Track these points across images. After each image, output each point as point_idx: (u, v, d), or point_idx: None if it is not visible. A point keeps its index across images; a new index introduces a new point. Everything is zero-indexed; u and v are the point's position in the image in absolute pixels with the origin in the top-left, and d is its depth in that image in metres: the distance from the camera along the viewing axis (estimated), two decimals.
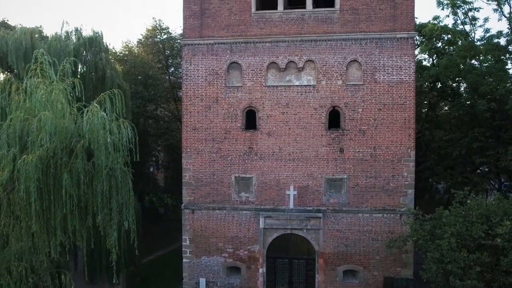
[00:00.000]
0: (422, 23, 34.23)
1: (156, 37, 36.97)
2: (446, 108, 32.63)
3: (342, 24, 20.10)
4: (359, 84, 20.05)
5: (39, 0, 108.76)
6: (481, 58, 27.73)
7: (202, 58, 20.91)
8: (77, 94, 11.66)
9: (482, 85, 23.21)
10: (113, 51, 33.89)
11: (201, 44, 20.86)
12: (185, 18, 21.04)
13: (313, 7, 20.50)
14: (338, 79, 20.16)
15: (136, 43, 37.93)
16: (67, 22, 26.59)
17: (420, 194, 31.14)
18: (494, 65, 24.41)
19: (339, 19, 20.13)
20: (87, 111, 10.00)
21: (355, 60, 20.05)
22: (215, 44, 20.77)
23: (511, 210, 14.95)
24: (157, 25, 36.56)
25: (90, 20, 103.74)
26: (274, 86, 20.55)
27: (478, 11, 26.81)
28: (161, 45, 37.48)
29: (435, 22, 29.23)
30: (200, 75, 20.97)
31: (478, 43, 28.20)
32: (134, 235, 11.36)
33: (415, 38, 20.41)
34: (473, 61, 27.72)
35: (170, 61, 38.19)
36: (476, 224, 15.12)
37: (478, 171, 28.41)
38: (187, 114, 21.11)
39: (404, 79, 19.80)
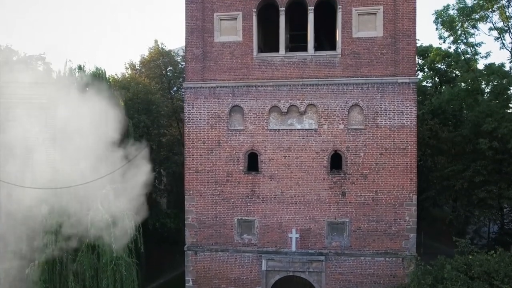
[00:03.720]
0: (424, 46, 34.26)
1: (159, 60, 37.05)
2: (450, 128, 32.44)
3: (344, 68, 20.15)
4: (361, 129, 20.11)
5: (38, 6, 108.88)
6: (482, 86, 27.76)
7: (204, 101, 21.01)
8: None
9: (484, 124, 23.22)
10: (116, 77, 34.02)
11: (203, 87, 20.95)
12: (187, 61, 21.14)
13: (315, 48, 20.61)
14: (340, 123, 20.23)
15: (138, 62, 38.12)
16: (70, 60, 26.87)
17: (422, 215, 31.11)
18: (496, 103, 24.37)
19: (340, 63, 20.18)
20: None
21: (356, 105, 20.10)
22: (217, 87, 20.86)
23: None
24: (160, 48, 36.62)
25: (90, 22, 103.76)
26: (276, 129, 20.64)
27: (480, 46, 26.79)
28: (163, 67, 37.58)
29: (438, 52, 29.20)
30: (202, 118, 21.08)
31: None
32: None
33: (416, 78, 20.35)
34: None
35: (172, 82, 38.25)
36: (477, 281, 15.26)
37: (480, 197, 28.36)
38: (189, 157, 21.23)
39: (406, 124, 19.85)
